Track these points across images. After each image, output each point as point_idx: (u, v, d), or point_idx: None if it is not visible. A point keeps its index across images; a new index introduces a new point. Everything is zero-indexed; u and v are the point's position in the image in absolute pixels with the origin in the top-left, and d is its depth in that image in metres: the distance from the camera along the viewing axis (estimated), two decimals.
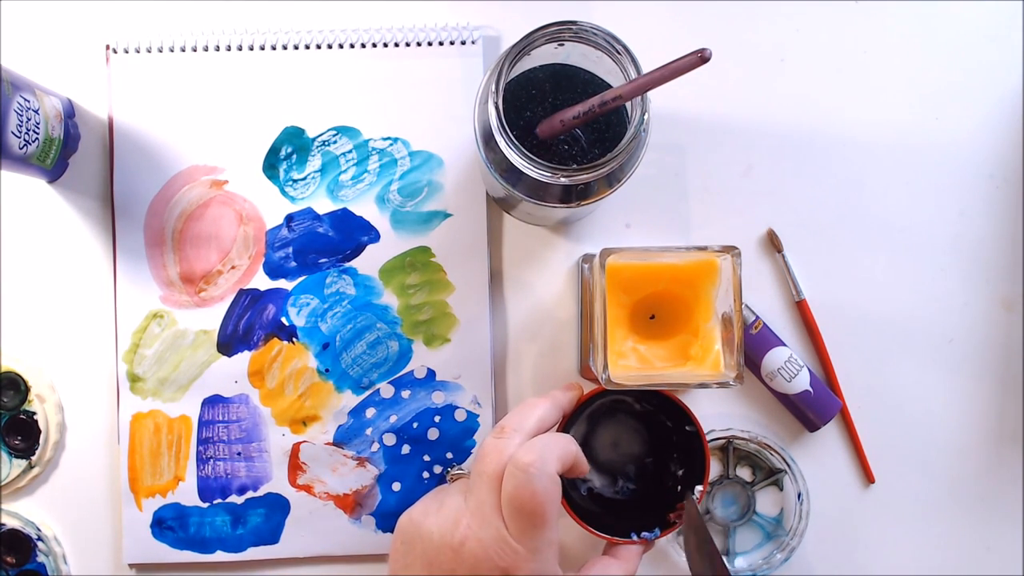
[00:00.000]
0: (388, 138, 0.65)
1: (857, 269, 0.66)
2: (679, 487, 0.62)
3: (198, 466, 0.65)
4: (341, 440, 0.65)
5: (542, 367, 0.66)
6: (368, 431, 0.65)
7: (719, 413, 0.66)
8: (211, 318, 0.65)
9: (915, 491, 0.66)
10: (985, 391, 0.66)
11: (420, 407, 0.65)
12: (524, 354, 0.66)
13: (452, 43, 0.65)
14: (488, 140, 0.54)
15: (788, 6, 0.66)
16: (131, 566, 0.65)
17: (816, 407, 0.64)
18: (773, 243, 0.66)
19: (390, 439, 0.65)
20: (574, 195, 0.55)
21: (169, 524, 0.65)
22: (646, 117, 0.53)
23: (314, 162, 0.65)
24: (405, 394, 0.65)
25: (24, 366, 0.65)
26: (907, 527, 0.66)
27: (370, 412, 0.65)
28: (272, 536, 0.65)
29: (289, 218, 0.65)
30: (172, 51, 0.65)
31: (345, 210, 0.65)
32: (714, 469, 0.66)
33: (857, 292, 0.66)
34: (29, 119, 0.58)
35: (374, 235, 0.65)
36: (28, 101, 0.58)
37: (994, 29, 0.66)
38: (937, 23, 0.66)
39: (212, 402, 0.65)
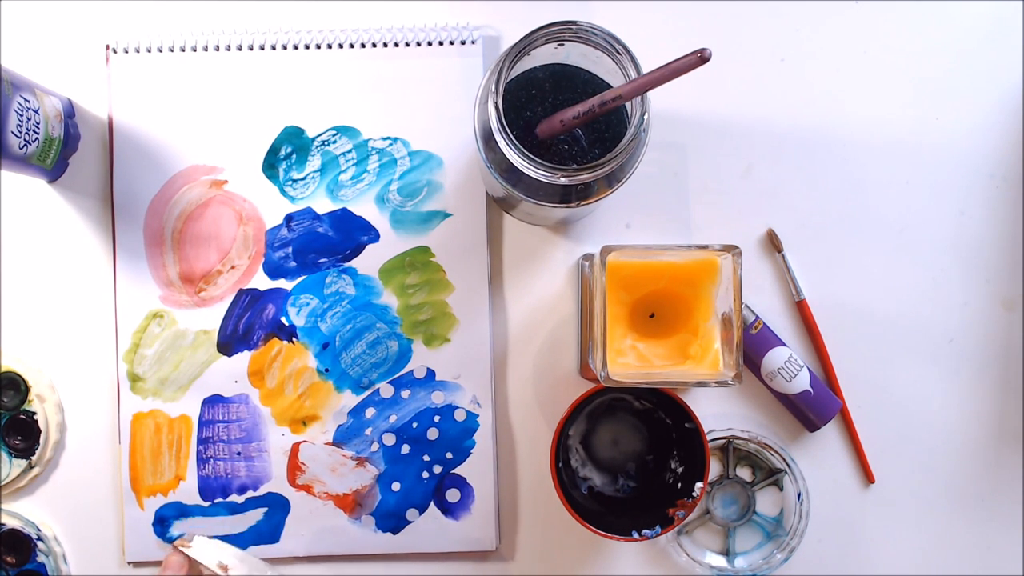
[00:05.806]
0: (388, 138, 0.65)
1: (857, 269, 0.66)
2: (679, 484, 0.62)
3: (198, 465, 0.65)
4: (341, 440, 0.65)
5: (542, 367, 0.66)
6: (368, 431, 0.65)
7: (719, 413, 0.66)
8: (211, 318, 0.65)
9: (915, 491, 0.66)
10: (985, 391, 0.66)
11: (420, 407, 0.65)
12: (524, 354, 0.66)
13: (452, 43, 0.65)
14: (488, 140, 0.54)
15: (788, 6, 0.66)
16: (133, 564, 0.65)
17: (816, 407, 0.64)
18: (773, 243, 0.66)
19: (390, 439, 0.65)
20: (574, 195, 0.55)
21: (171, 523, 0.65)
22: (646, 117, 0.53)
23: (314, 162, 0.65)
24: (405, 394, 0.65)
25: (24, 366, 0.65)
26: (907, 527, 0.66)
27: (370, 412, 0.65)
28: (272, 535, 0.65)
29: (289, 218, 0.65)
30: (172, 51, 0.65)
31: (345, 210, 0.65)
32: (714, 469, 0.66)
33: (857, 292, 0.66)
34: (29, 119, 0.58)
35: (374, 235, 0.65)
36: (28, 101, 0.58)
37: (994, 29, 0.66)
38: (937, 23, 0.66)
39: (212, 402, 0.65)
